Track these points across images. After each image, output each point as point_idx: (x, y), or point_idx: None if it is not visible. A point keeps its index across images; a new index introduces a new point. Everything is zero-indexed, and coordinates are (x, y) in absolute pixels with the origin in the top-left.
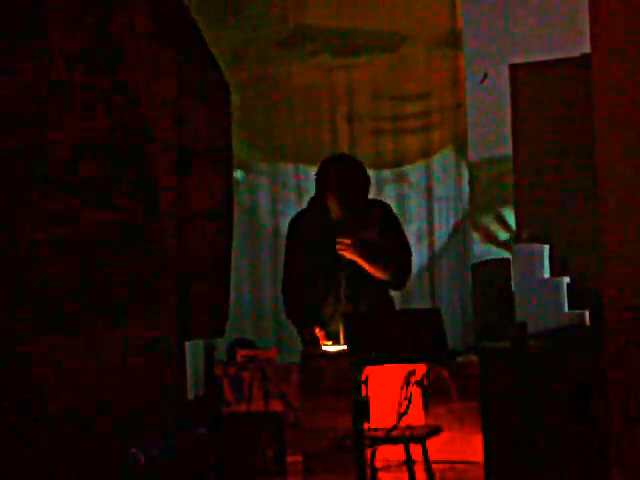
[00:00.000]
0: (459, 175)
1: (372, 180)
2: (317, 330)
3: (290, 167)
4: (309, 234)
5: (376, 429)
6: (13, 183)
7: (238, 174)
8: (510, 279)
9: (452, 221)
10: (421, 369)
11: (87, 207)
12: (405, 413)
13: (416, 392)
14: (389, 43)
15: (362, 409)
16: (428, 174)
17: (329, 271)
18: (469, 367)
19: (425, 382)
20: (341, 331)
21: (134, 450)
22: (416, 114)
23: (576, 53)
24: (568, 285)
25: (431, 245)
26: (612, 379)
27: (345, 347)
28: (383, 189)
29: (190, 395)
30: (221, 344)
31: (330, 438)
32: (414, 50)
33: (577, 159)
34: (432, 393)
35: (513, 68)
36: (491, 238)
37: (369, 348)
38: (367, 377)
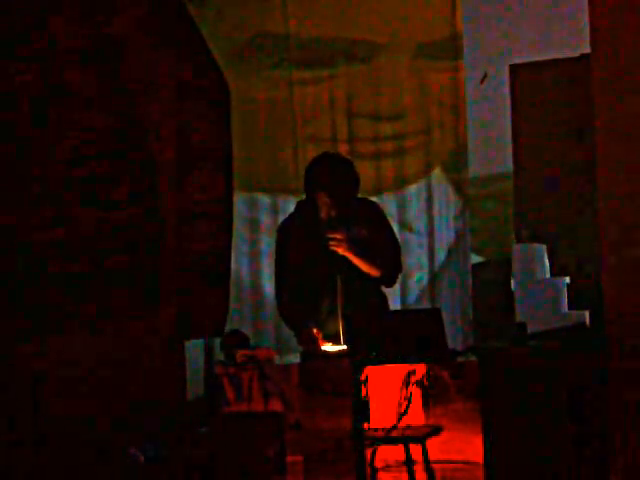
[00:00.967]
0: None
1: None
2: (315, 331)
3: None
4: (299, 235)
5: (376, 429)
6: (13, 183)
7: None
8: (510, 279)
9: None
10: (421, 369)
11: (87, 207)
12: (405, 413)
13: (416, 392)
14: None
15: (362, 409)
16: (428, 173)
17: (323, 270)
18: (469, 367)
19: (425, 382)
20: (341, 331)
21: (134, 450)
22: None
23: (576, 53)
24: (568, 285)
25: (431, 245)
26: (612, 379)
27: (345, 347)
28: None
29: (190, 395)
30: (217, 340)
31: (330, 438)
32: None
33: (577, 159)
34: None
35: (513, 68)
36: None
37: (369, 348)
38: (367, 377)
